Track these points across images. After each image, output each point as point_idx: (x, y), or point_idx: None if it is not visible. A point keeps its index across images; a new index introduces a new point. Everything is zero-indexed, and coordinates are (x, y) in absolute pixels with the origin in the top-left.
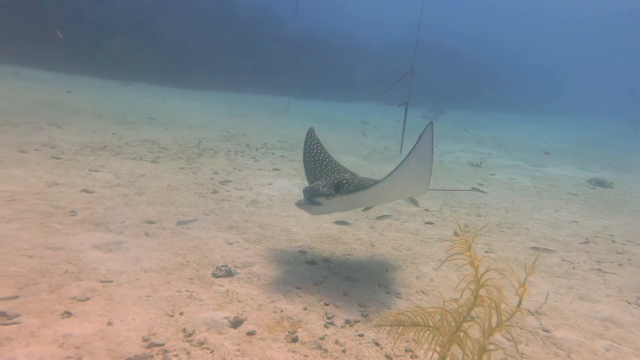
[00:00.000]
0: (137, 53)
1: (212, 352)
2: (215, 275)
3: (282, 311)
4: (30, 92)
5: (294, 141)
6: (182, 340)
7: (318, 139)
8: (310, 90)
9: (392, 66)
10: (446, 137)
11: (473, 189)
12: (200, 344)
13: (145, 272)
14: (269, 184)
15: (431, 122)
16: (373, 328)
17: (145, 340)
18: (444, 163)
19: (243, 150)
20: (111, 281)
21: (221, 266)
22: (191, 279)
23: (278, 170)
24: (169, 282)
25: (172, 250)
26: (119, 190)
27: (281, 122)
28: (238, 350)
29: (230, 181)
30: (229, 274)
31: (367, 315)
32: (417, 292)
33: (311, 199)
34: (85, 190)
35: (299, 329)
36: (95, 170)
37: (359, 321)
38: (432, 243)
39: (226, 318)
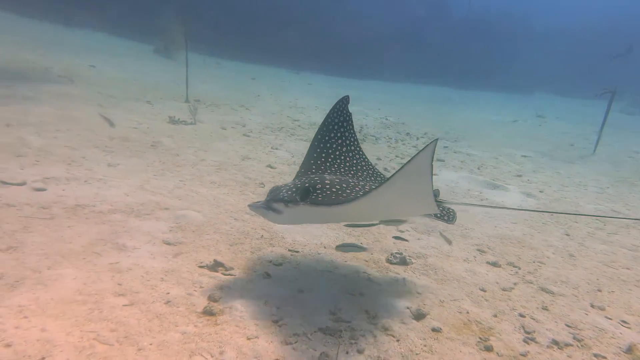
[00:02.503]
0: (305, 44)
1: (398, 341)
2: (389, 262)
3: (467, 313)
4: (227, 79)
5: (457, 132)
6: (367, 322)
7: (350, 115)
8: (474, 80)
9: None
10: None
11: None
12: (385, 329)
13: (324, 248)
14: (434, 174)
15: (436, 140)
16: (594, 358)
17: (332, 313)
18: None
19: (403, 139)
20: (297, 251)
21: (395, 253)
22: (366, 261)
23: (442, 161)
24: (346, 261)
25: (346, 230)
26: (294, 168)
27: (441, 111)
28: (425, 346)
29: (393, 168)
30: (403, 262)
31: (582, 340)
32: None
33: (268, 203)
34: (269, 166)
35: (491, 337)
36: (276, 149)
37: (570, 345)
38: None
39: (408, 308)
